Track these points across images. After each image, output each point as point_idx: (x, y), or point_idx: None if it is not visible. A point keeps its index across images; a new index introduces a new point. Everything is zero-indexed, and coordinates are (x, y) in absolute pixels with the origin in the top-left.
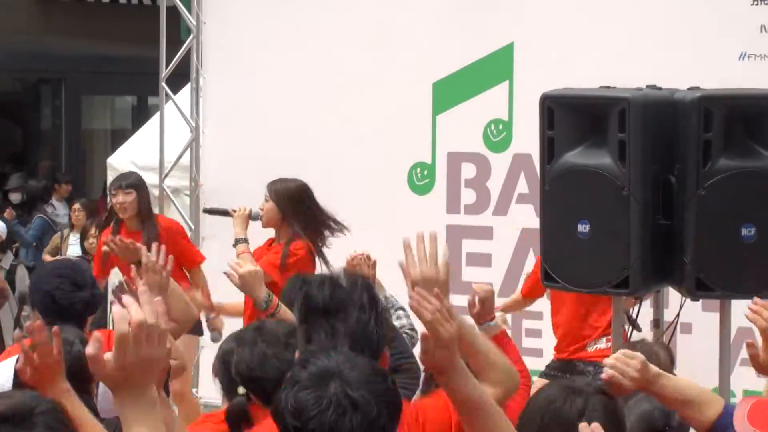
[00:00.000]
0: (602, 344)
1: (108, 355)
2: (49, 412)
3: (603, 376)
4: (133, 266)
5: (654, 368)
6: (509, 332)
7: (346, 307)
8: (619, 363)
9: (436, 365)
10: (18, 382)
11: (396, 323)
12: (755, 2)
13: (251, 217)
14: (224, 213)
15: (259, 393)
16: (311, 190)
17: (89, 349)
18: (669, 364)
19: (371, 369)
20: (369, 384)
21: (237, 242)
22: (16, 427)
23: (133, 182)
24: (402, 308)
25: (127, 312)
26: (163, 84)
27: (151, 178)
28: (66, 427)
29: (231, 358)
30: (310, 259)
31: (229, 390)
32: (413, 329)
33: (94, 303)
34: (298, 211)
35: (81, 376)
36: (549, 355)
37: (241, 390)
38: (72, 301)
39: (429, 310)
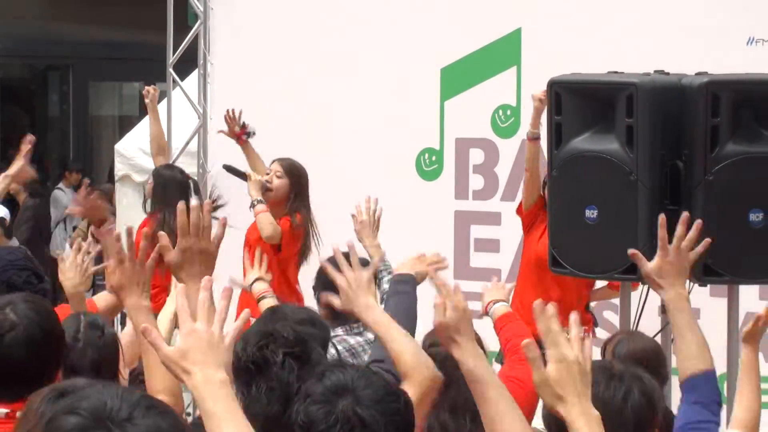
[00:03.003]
0: None
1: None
2: None
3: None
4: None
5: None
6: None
7: None
8: None
9: (442, 336)
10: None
11: (385, 286)
12: None
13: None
14: (241, 175)
15: None
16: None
17: (163, 240)
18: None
19: (385, 388)
20: (380, 403)
21: (256, 203)
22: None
23: None
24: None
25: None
26: (171, 70)
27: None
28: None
29: None
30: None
31: None
32: None
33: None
34: (304, 192)
35: (113, 364)
36: None
37: None
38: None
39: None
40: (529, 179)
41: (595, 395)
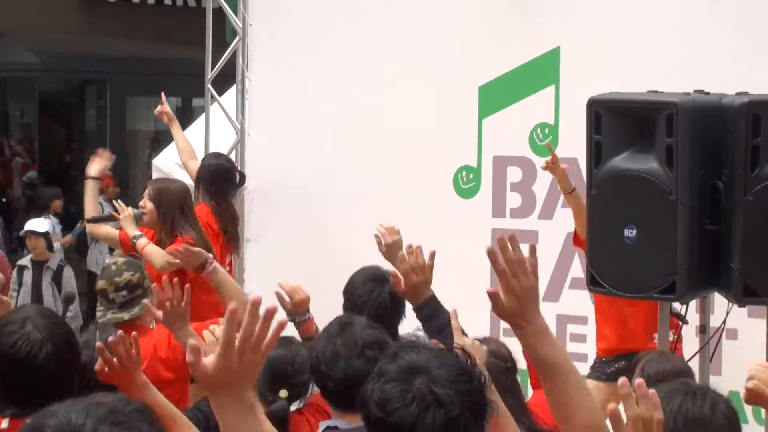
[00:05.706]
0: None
1: (208, 359)
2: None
3: (747, 385)
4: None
5: None
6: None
7: None
8: (762, 373)
9: (506, 317)
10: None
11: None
12: None
13: (135, 216)
14: (108, 219)
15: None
16: (191, 196)
17: (189, 357)
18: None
19: (459, 368)
20: (455, 383)
21: (136, 239)
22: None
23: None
24: None
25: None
26: (209, 86)
27: None
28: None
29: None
30: None
31: (267, 389)
32: None
33: None
34: (177, 214)
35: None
36: (593, 359)
37: (283, 393)
38: None
39: (504, 259)
40: (577, 213)
41: (685, 413)
